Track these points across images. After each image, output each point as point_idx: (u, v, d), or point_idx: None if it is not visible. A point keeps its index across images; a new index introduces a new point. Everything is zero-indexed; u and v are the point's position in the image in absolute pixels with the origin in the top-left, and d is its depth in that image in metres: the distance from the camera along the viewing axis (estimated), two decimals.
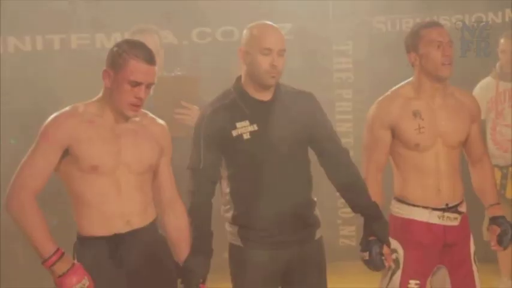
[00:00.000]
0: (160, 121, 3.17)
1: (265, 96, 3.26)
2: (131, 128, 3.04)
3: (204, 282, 3.16)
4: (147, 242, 3.05)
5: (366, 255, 3.24)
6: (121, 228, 2.99)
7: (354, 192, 3.30)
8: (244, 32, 3.30)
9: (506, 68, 5.21)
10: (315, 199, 3.37)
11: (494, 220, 3.48)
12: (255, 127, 3.23)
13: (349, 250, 6.31)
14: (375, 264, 3.24)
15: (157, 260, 3.08)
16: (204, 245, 3.19)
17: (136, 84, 2.95)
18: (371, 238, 3.23)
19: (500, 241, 3.46)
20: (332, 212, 6.43)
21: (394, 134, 3.40)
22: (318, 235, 3.35)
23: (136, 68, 2.94)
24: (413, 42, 3.37)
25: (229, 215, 3.31)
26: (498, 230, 3.45)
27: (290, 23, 6.19)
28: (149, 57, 2.98)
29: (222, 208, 3.36)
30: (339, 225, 6.43)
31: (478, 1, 5.98)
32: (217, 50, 6.03)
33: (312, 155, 3.37)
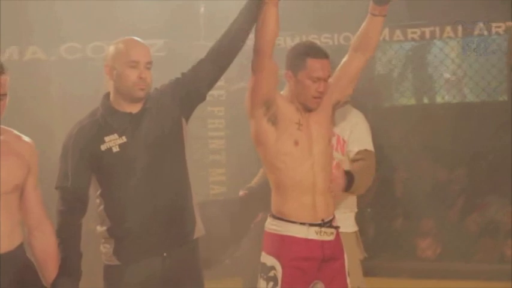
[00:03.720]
0: (27, 138, 3.07)
1: (134, 109, 3.24)
2: None
3: None
4: (14, 266, 2.94)
5: None
6: None
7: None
8: (110, 48, 3.28)
9: None
10: (193, 202, 3.36)
11: None
12: (123, 139, 3.21)
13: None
14: None
15: (24, 286, 2.97)
16: (72, 267, 3.13)
17: None
18: None
19: None
20: None
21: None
22: (195, 235, 3.34)
23: None
24: (296, 64, 3.39)
25: (104, 228, 3.26)
26: None
27: (162, 39, 6.18)
28: None
29: (98, 227, 3.31)
30: None
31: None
32: (87, 66, 5.95)
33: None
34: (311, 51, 3.38)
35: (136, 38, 3.29)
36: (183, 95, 3.32)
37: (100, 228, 3.30)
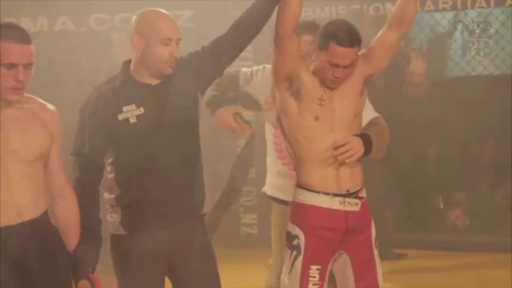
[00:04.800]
0: (51, 107, 3.05)
1: (154, 81, 3.23)
2: (17, 115, 2.91)
3: (93, 271, 3.10)
4: (40, 233, 2.96)
5: None
6: (12, 219, 2.89)
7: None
8: (137, 19, 3.22)
9: None
10: (203, 179, 3.35)
11: None
12: (141, 110, 3.19)
13: (250, 238, 6.35)
14: None
15: (50, 253, 2.99)
16: (92, 234, 3.13)
17: (12, 66, 2.84)
18: None
19: None
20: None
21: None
22: (204, 211, 3.35)
23: (8, 49, 2.83)
24: (321, 42, 3.33)
25: (112, 196, 3.27)
26: None
27: (190, 11, 6.17)
28: (21, 37, 2.86)
29: (105, 194, 3.31)
30: (240, 213, 6.46)
31: None
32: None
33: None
34: (337, 36, 3.29)
35: (163, 11, 3.25)
36: (201, 70, 3.29)
37: (108, 196, 3.30)
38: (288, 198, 3.61)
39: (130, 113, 3.18)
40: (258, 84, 3.93)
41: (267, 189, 4.01)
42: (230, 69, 3.84)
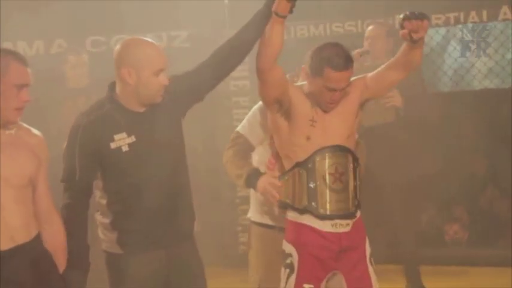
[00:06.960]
0: (36, 132, 3.07)
1: (141, 108, 3.25)
2: (6, 141, 2.94)
3: None
4: (33, 258, 2.97)
5: None
6: (6, 244, 2.90)
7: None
8: (124, 50, 3.18)
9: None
10: (192, 199, 3.39)
11: None
12: (133, 138, 3.21)
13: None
14: None
15: (44, 276, 3.00)
16: (79, 259, 3.15)
17: (22, 87, 2.90)
18: None
19: None
20: (232, 219, 6.45)
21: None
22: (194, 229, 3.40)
23: (21, 70, 2.90)
24: (314, 68, 3.34)
25: (107, 221, 3.28)
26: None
27: (186, 31, 6.19)
28: (25, 60, 2.94)
29: (98, 215, 3.33)
30: (238, 232, 6.45)
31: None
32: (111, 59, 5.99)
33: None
34: (332, 61, 3.29)
35: (148, 39, 3.25)
36: (183, 95, 3.32)
37: (101, 219, 3.32)
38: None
39: (122, 141, 3.20)
40: (258, 127, 3.83)
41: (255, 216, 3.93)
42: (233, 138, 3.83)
